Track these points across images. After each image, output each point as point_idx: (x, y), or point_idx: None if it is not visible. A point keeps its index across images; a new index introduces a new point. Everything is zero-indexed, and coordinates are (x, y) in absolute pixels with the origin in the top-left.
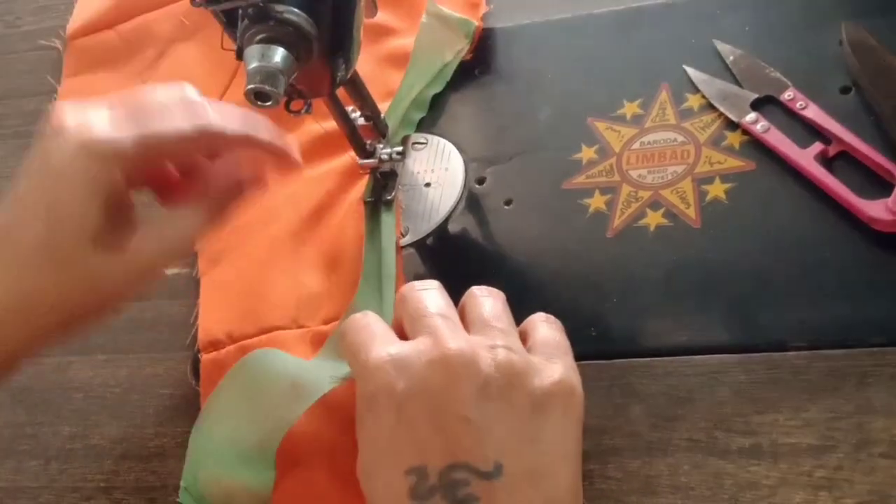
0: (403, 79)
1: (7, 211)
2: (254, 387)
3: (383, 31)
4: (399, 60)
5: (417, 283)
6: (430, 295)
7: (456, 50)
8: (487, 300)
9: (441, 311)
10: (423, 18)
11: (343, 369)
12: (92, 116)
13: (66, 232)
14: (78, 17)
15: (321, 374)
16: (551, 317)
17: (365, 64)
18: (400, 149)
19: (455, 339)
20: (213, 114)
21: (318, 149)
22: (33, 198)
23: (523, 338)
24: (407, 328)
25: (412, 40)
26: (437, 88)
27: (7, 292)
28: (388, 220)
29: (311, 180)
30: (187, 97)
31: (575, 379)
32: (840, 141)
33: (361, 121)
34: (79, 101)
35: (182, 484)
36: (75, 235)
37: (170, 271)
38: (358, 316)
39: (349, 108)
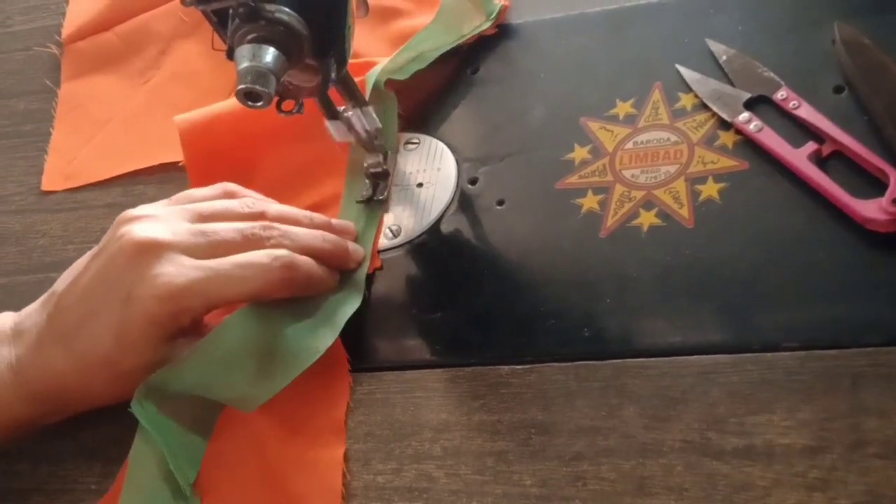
0: (420, 32)
1: (76, 301)
2: (225, 361)
3: (391, 13)
4: (407, 41)
5: None
6: None
7: (474, 25)
8: None
9: None
10: None
11: (325, 337)
12: (174, 263)
13: (130, 358)
14: (72, 21)
15: (301, 343)
16: None
17: (373, 44)
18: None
19: None
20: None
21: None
22: (105, 312)
23: None
24: None
25: (419, 21)
26: (443, 50)
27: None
28: (373, 220)
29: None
30: (275, 255)
31: None
32: (833, 140)
33: (353, 119)
34: (155, 220)
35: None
36: (135, 363)
37: None
38: None
39: (341, 108)
